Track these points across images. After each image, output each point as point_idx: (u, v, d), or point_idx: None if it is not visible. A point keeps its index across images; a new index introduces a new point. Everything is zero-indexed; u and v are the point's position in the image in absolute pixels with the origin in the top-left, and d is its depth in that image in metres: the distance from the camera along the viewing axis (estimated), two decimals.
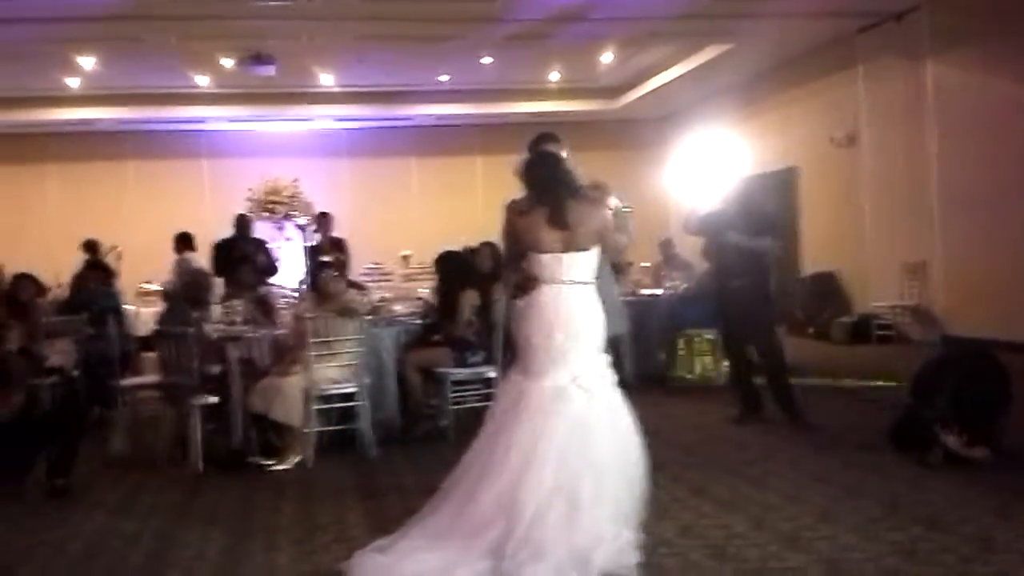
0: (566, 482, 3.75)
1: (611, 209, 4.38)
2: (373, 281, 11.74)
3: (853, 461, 5.27)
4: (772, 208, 6.78)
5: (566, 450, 3.82)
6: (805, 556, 3.74)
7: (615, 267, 9.55)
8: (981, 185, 9.56)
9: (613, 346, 4.40)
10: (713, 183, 13.63)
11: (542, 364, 4.03)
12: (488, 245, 7.98)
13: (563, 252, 4.08)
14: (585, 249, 4.12)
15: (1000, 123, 9.26)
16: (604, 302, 4.24)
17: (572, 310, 4.08)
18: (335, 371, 6.15)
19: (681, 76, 12.95)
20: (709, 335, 8.38)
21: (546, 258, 4.10)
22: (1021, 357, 6.48)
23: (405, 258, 13.63)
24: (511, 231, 4.28)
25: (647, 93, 14.14)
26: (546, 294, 4.09)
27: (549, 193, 4.13)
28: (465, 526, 3.75)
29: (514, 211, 4.26)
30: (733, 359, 6.85)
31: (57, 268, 10.36)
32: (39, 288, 8.08)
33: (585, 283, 4.15)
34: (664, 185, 16.11)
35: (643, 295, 8.97)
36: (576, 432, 3.88)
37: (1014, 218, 9.08)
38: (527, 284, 4.13)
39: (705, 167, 14.54)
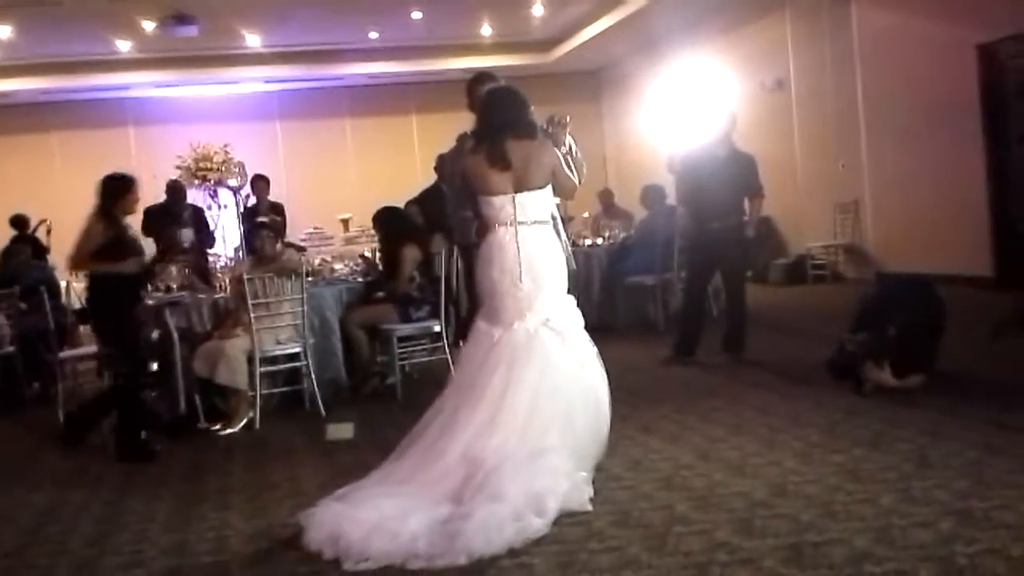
0: (533, 434, 3.78)
1: (566, 147, 4.36)
2: (314, 246, 11.61)
3: (793, 394, 5.41)
4: (747, 151, 6.77)
5: (535, 400, 3.85)
6: (751, 481, 3.85)
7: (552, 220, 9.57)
8: (907, 124, 9.78)
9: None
10: (658, 131, 13.78)
11: (510, 310, 4.03)
12: (414, 203, 7.98)
13: (515, 192, 4.06)
14: (538, 187, 4.10)
15: (924, 63, 9.45)
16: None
17: (534, 252, 4.07)
18: (278, 332, 6.10)
19: (612, 27, 12.92)
20: (649, 281, 8.48)
21: (498, 200, 4.07)
22: (952, 289, 6.71)
23: (345, 221, 13.49)
24: (462, 171, 4.23)
25: (580, 45, 14.09)
26: (504, 237, 4.06)
27: (489, 134, 4.10)
28: (426, 475, 3.78)
29: (464, 150, 4.23)
30: (692, 301, 6.89)
31: None
32: None
33: (542, 222, 4.14)
34: (602, 136, 16.18)
35: (583, 245, 9.03)
36: (547, 380, 3.91)
37: (940, 154, 9.32)
38: (482, 229, 4.10)
39: (647, 115, 14.59)
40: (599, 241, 9.16)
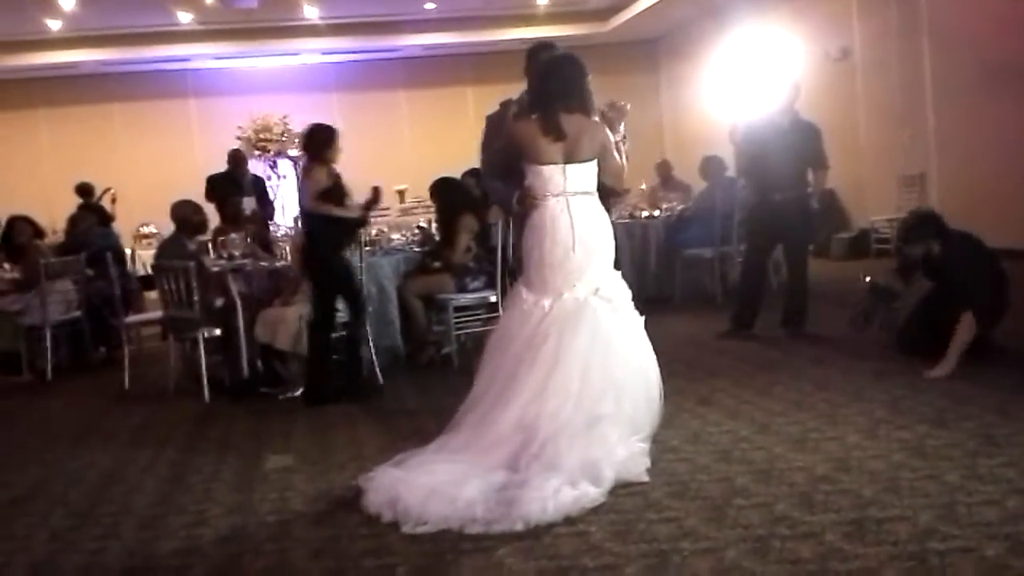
0: (587, 398, 3.78)
1: (620, 134, 4.32)
2: (370, 215, 11.68)
3: (854, 369, 5.32)
4: (812, 122, 6.63)
5: (588, 365, 3.84)
6: (812, 456, 3.80)
7: (609, 193, 9.48)
8: (975, 94, 9.49)
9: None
10: (719, 101, 13.56)
11: (559, 280, 4.02)
12: (472, 173, 7.96)
13: (565, 163, 4.04)
14: (587, 160, 4.08)
15: (993, 34, 9.14)
16: None
17: (586, 222, 4.05)
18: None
19: None
20: (707, 254, 8.40)
21: (548, 169, 4.05)
22: (1019, 263, 6.52)
23: (400, 192, 13.56)
24: (509, 137, 4.19)
25: (639, 13, 13.90)
26: (556, 208, 4.04)
27: (543, 103, 4.07)
28: (482, 443, 3.80)
29: (509, 115, 4.20)
30: (751, 274, 6.78)
31: (52, 213, 10.34)
32: (36, 230, 8.05)
33: (591, 193, 4.12)
34: (660, 108, 15.99)
35: (640, 217, 8.96)
36: (598, 345, 3.90)
37: (1008, 127, 9.02)
38: (528, 199, 4.08)
39: (707, 87, 14.38)
40: (656, 213, 9.07)
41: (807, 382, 5.13)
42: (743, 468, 3.73)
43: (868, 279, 5.89)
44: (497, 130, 4.52)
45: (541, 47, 4.71)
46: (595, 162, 4.10)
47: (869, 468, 3.59)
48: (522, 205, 4.12)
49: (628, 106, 4.38)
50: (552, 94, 4.07)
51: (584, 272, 4.04)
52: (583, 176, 4.07)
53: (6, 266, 7.95)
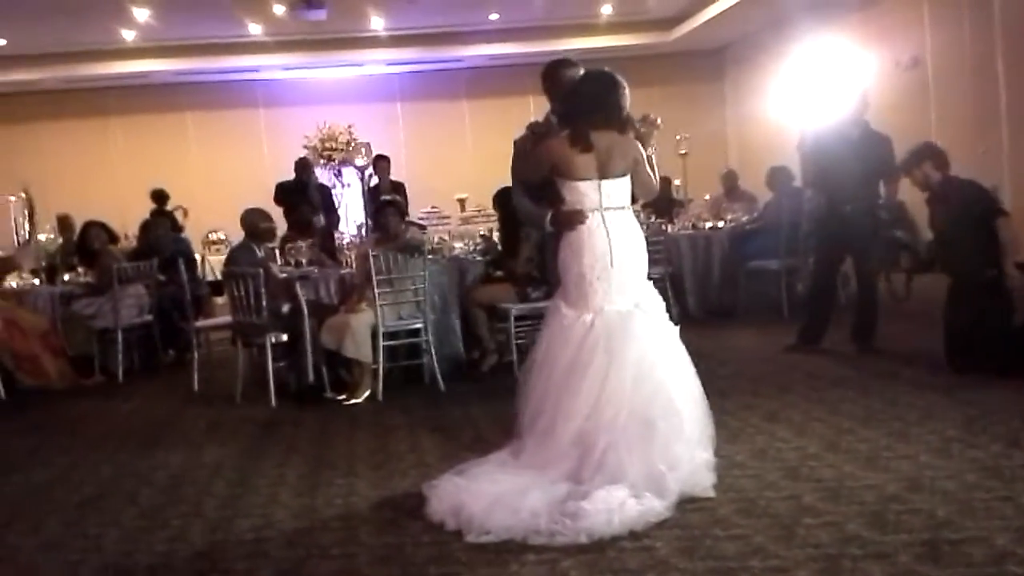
0: (640, 405, 3.76)
1: (653, 148, 4.29)
2: (431, 224, 11.80)
3: (925, 386, 5.20)
4: (882, 132, 6.56)
5: (639, 373, 3.83)
6: (883, 475, 3.72)
7: (671, 204, 9.38)
8: None
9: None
10: (785, 111, 13.39)
11: (600, 295, 4.00)
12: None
13: (600, 179, 4.03)
14: (620, 175, 4.07)
15: None
16: None
17: (623, 236, 4.04)
18: (401, 308, 6.22)
19: (738, 4, 12.59)
20: (773, 265, 8.29)
21: (583, 185, 4.04)
22: None
23: (461, 201, 13.66)
24: (538, 156, 4.19)
25: (703, 23, 13.80)
26: (592, 224, 4.02)
27: (572, 119, 4.07)
28: (543, 455, 3.81)
29: (536, 135, 4.22)
30: (820, 286, 6.68)
31: (125, 219, 10.63)
32: (110, 235, 8.27)
33: (627, 207, 4.11)
34: (724, 118, 15.84)
35: (704, 228, 8.88)
36: (646, 355, 3.88)
37: None
38: (573, 217, 4.04)
39: (773, 97, 14.21)
40: (720, 224, 8.98)
41: (877, 399, 5.02)
42: (812, 486, 3.66)
43: None
44: (526, 152, 4.51)
45: (563, 63, 4.68)
46: (628, 177, 4.09)
47: (942, 488, 3.50)
48: (558, 225, 4.10)
49: (659, 120, 4.36)
50: (579, 111, 4.08)
51: (624, 286, 4.03)
52: (618, 191, 4.07)
53: (80, 270, 8.20)
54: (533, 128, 4.53)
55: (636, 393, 3.79)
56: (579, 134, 4.02)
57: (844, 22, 12.46)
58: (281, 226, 7.79)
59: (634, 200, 4.23)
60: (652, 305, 4.07)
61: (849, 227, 6.33)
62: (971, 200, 5.58)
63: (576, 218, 4.04)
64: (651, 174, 4.21)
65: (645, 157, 4.17)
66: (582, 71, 4.35)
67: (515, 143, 4.62)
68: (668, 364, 3.92)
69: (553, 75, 4.57)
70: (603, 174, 4.02)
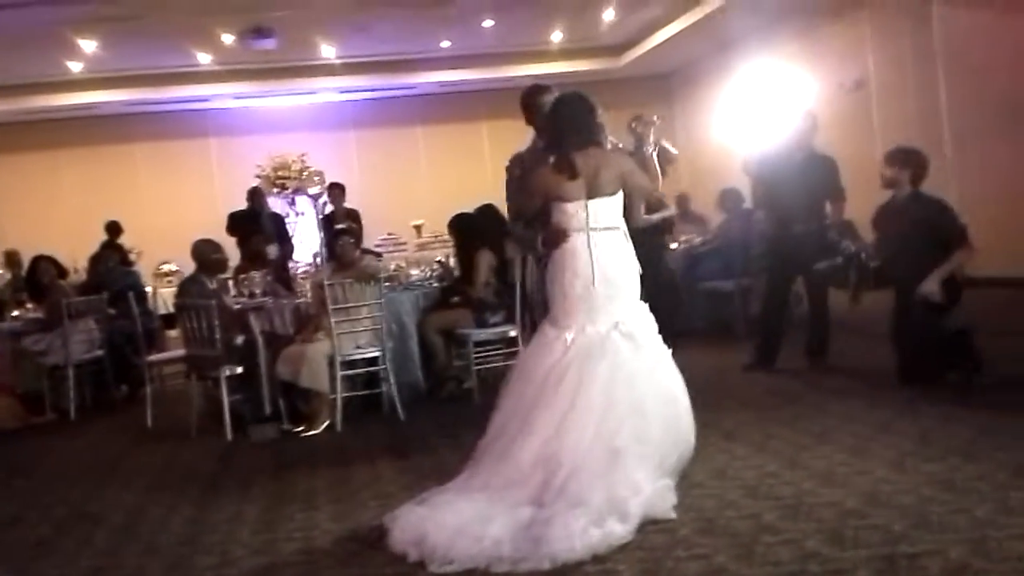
0: (607, 431, 3.77)
1: (653, 146, 4.35)
2: (388, 251, 11.76)
3: (880, 401, 5.28)
4: (827, 154, 6.66)
5: (609, 397, 3.84)
6: (841, 490, 3.76)
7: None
8: (993, 124, 9.48)
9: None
10: (735, 134, 13.61)
11: (581, 314, 4.04)
12: (488, 206, 8.00)
13: (587, 199, 4.08)
14: (609, 195, 4.11)
15: (1008, 60, 9.15)
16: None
17: (607, 257, 4.08)
18: (358, 336, 6.19)
19: (686, 29, 12.79)
20: (727, 286, 8.39)
21: (571, 206, 4.09)
22: None
23: (417, 227, 13.64)
24: (531, 183, 4.26)
25: (652, 49, 14.00)
26: (577, 243, 4.08)
27: (557, 145, 4.13)
28: (504, 479, 3.79)
29: (524, 163, 4.26)
30: (772, 306, 6.77)
31: (75, 253, 10.44)
32: (59, 270, 8.12)
33: (614, 228, 4.15)
34: (674, 140, 16.03)
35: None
36: (619, 378, 3.90)
37: None
38: (557, 236, 4.11)
39: (722, 120, 14.45)
40: (673, 246, 9.08)
41: (832, 415, 5.09)
42: (771, 503, 3.69)
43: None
44: (515, 177, 4.61)
45: (537, 90, 4.76)
46: (619, 196, 4.14)
47: (898, 502, 3.55)
48: (546, 244, 4.16)
49: (656, 118, 4.42)
50: (562, 133, 4.14)
51: (605, 307, 4.06)
52: (606, 211, 4.11)
53: (29, 305, 8.04)
54: (512, 167, 4.63)
55: (605, 417, 3.80)
56: (564, 161, 4.07)
57: (789, 46, 12.72)
58: (234, 257, 7.72)
59: (627, 213, 4.24)
60: (637, 327, 4.09)
61: (798, 247, 6.43)
62: (935, 222, 5.59)
63: (560, 237, 4.10)
64: (645, 176, 4.25)
65: (643, 157, 4.23)
66: (556, 95, 4.43)
67: (506, 168, 4.71)
68: (647, 390, 3.94)
69: (530, 102, 4.67)
70: (591, 194, 4.08)
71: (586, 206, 4.08)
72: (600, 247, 4.08)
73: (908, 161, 5.76)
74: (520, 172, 4.64)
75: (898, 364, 5.67)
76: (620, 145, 4.52)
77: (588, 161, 4.09)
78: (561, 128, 4.17)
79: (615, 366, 3.92)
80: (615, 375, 3.89)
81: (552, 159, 4.15)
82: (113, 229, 10.88)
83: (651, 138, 4.35)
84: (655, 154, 4.31)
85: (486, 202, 8.16)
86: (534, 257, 4.89)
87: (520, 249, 5.94)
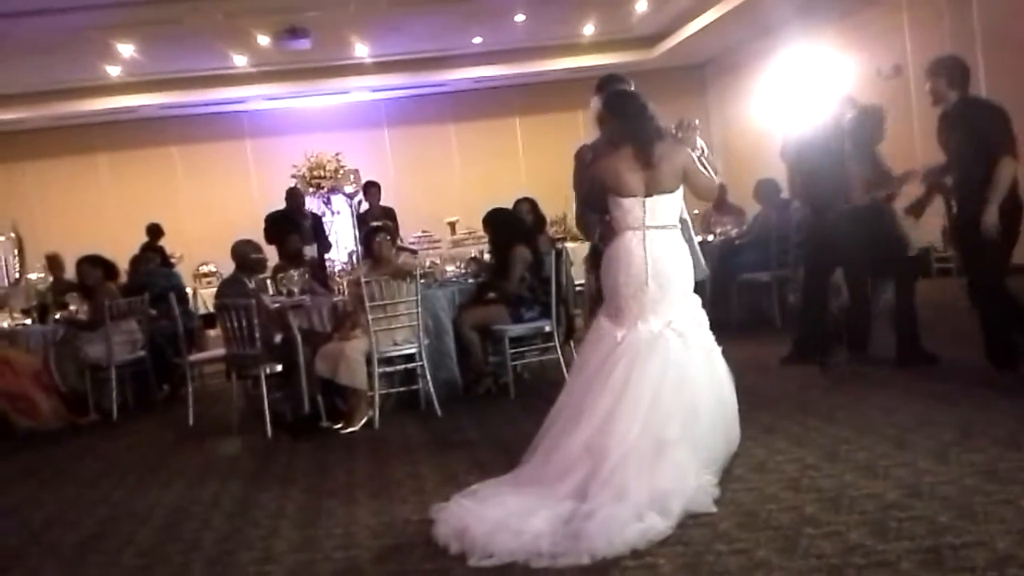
0: (655, 425, 3.77)
1: (698, 149, 4.33)
2: (422, 248, 11.82)
3: (921, 392, 5.21)
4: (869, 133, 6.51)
5: (658, 391, 3.84)
6: (883, 483, 3.71)
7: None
8: None
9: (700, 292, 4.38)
10: (771, 123, 13.46)
11: (635, 312, 4.04)
12: (525, 200, 8.01)
13: (645, 195, 4.05)
14: (669, 191, 4.08)
15: None
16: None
17: (660, 256, 4.07)
18: (395, 333, 6.21)
19: (719, 18, 12.68)
20: (764, 278, 8.31)
21: (628, 202, 4.07)
22: None
23: (451, 224, 13.70)
24: (594, 174, 4.24)
25: (685, 39, 13.90)
26: (632, 241, 4.07)
27: (636, 129, 4.09)
28: (551, 472, 3.81)
29: (590, 154, 4.25)
30: (811, 297, 6.67)
31: (116, 255, 10.56)
32: (108, 271, 8.19)
33: (670, 227, 4.12)
34: (708, 132, 15.91)
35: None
36: (670, 374, 3.90)
37: None
38: (609, 231, 4.11)
39: (757, 109, 14.30)
40: (710, 238, 9.01)
41: (873, 407, 5.03)
42: (812, 496, 3.66)
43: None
44: (583, 164, 4.63)
45: (613, 78, 4.78)
46: (679, 193, 4.11)
47: (941, 494, 3.50)
48: (602, 240, 4.17)
49: (697, 121, 4.40)
50: (641, 122, 4.13)
51: (658, 305, 4.05)
52: (664, 209, 4.09)
53: (73, 308, 8.15)
54: (581, 155, 4.65)
55: (653, 411, 3.80)
56: (645, 150, 4.04)
57: (825, 31, 12.55)
58: (272, 257, 7.79)
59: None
60: (690, 325, 4.08)
61: (835, 236, 6.34)
62: (982, 130, 5.29)
63: (610, 233, 4.12)
64: (707, 175, 4.24)
65: (695, 160, 4.20)
66: (632, 85, 4.43)
67: (575, 156, 4.74)
68: (698, 387, 3.93)
69: (604, 90, 4.67)
70: (650, 191, 4.06)
71: (643, 203, 4.06)
72: (655, 245, 4.06)
73: (939, 69, 5.53)
74: (590, 160, 4.64)
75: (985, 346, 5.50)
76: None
77: (658, 151, 4.07)
78: (633, 118, 4.15)
79: (665, 364, 3.92)
80: (666, 372, 3.89)
81: (630, 148, 4.10)
82: (154, 231, 11.02)
83: (695, 141, 4.32)
84: (701, 157, 4.29)
85: (520, 197, 8.18)
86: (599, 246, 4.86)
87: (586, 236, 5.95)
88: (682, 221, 4.29)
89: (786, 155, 6.98)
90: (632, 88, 4.60)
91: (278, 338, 6.33)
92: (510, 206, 7.76)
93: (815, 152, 6.47)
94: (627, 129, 4.13)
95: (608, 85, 4.71)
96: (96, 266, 8.05)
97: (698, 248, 4.44)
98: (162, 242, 11.10)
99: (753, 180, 9.15)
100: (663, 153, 4.08)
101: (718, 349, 4.13)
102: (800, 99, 12.23)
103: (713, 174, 4.32)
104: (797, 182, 6.82)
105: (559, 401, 4.08)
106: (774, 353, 6.80)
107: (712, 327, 4.25)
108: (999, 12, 9.75)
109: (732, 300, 8.55)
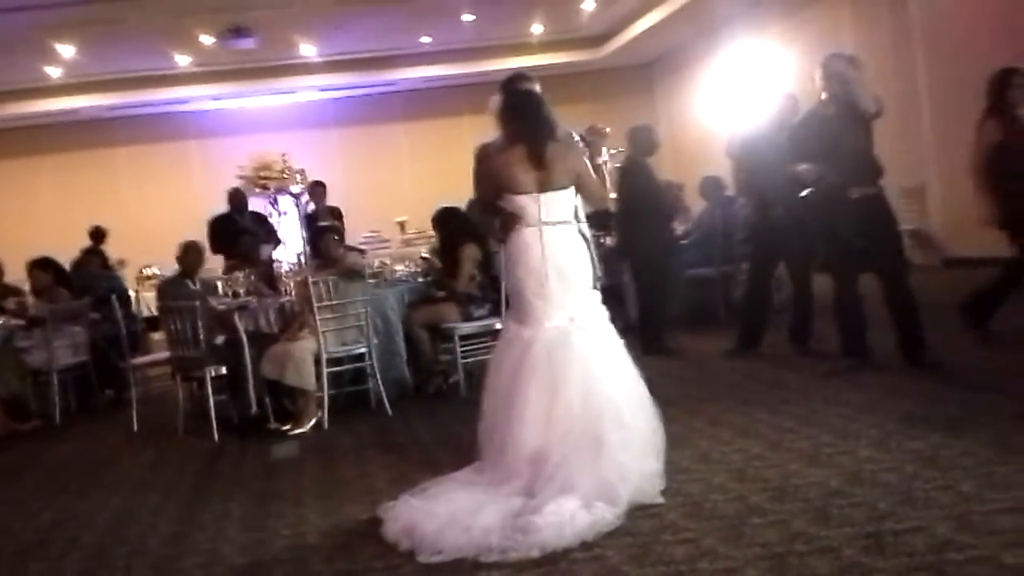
0: (589, 423, 3.78)
1: (604, 157, 4.36)
2: (372, 248, 11.74)
3: (863, 383, 5.30)
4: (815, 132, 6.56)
5: (585, 390, 3.85)
6: (825, 471, 3.78)
7: (609, 216, 9.49)
8: (972, 104, 9.50)
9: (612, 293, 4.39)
10: (717, 120, 13.63)
11: (538, 310, 4.04)
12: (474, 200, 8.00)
13: (539, 192, 4.06)
14: (563, 187, 4.10)
15: (986, 41, 9.19)
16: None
17: (559, 252, 4.07)
18: (344, 334, 6.17)
19: (666, 18, 12.82)
20: (710, 274, 8.41)
21: (522, 199, 4.08)
22: None
23: (401, 224, 13.62)
24: (487, 173, 4.25)
25: (633, 38, 14.02)
26: (528, 237, 4.07)
27: (529, 131, 4.11)
28: (501, 471, 3.83)
29: (488, 152, 4.25)
30: (755, 291, 6.75)
31: (58, 258, 10.35)
32: (59, 274, 8.02)
33: (566, 222, 4.13)
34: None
35: None
36: (589, 370, 3.92)
37: None
38: (508, 222, 4.10)
39: (703, 108, 14.46)
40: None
41: (816, 398, 5.10)
42: (757, 486, 3.71)
43: None
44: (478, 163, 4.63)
45: (519, 78, 4.75)
46: (571, 190, 4.13)
47: (883, 481, 3.57)
48: (503, 229, 4.15)
49: (608, 129, 4.43)
50: (539, 124, 4.12)
51: (562, 298, 4.06)
52: (558, 205, 4.10)
53: (11, 307, 7.91)
54: (482, 152, 4.62)
55: (585, 411, 3.81)
56: (536, 151, 4.04)
57: (768, 30, 12.76)
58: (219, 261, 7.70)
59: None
60: (592, 319, 4.10)
61: (780, 231, 6.43)
62: None
63: (511, 221, 4.08)
64: (598, 183, 4.26)
65: (591, 167, 4.21)
66: (537, 86, 4.42)
67: (474, 156, 4.73)
68: (613, 378, 3.95)
69: (506, 89, 4.66)
70: (543, 187, 4.05)
71: (538, 199, 4.06)
72: (552, 241, 4.06)
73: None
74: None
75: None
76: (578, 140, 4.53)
77: (550, 151, 4.08)
78: (526, 120, 4.15)
79: (582, 359, 3.93)
80: (586, 369, 3.90)
81: (522, 147, 4.11)
82: (97, 234, 10.79)
83: (602, 149, 4.35)
84: (602, 165, 4.31)
85: (470, 197, 8.17)
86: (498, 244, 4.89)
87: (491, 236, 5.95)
88: (579, 222, 4.27)
89: (732, 150, 7.06)
90: (537, 88, 4.57)
91: (219, 339, 6.24)
92: (460, 205, 7.75)
93: (761, 148, 6.56)
94: (521, 129, 4.15)
95: (511, 84, 4.70)
96: (47, 270, 7.87)
97: (594, 252, 4.40)
98: (106, 244, 10.89)
99: (699, 178, 9.26)
100: (555, 154, 4.08)
101: (621, 342, 4.14)
102: (746, 96, 12.41)
103: (607, 186, 4.34)
104: (743, 178, 6.91)
105: (486, 406, 4.05)
106: (720, 347, 6.88)
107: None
108: (937, 10, 9.98)
109: (678, 296, 8.62)
